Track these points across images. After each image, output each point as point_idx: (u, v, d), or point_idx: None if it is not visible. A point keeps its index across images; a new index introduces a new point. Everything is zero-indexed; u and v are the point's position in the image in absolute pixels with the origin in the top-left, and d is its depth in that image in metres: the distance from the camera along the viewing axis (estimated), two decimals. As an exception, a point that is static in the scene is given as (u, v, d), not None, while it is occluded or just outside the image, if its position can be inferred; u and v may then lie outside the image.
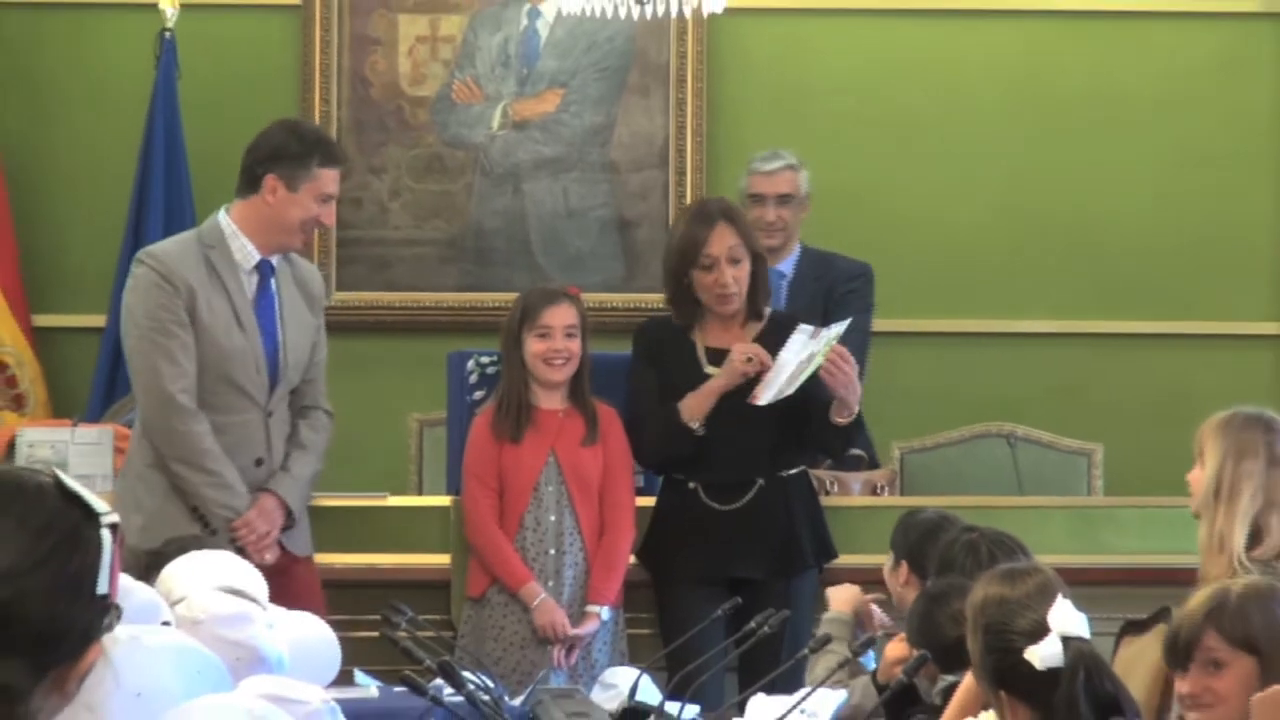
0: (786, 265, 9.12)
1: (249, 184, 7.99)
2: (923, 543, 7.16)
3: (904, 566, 7.19)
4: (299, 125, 8.45)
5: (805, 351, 7.98)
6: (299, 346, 8.08)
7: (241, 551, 7.51)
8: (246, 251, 7.96)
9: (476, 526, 8.18)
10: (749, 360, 8.06)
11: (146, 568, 4.91)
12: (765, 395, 7.98)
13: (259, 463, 8.01)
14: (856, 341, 8.48)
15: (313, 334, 8.15)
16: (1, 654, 3.12)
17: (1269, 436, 6.98)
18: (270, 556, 7.82)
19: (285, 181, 7.89)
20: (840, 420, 8.11)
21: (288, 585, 7.53)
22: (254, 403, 7.99)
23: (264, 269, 8.01)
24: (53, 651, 3.19)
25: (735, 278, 8.19)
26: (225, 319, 7.91)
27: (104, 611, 3.28)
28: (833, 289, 9.04)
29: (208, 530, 7.83)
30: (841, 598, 7.39)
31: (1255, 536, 6.90)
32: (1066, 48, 10.47)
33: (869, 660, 7.17)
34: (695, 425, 8.18)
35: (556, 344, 8.08)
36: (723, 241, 8.17)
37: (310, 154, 7.95)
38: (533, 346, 8.07)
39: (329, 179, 7.97)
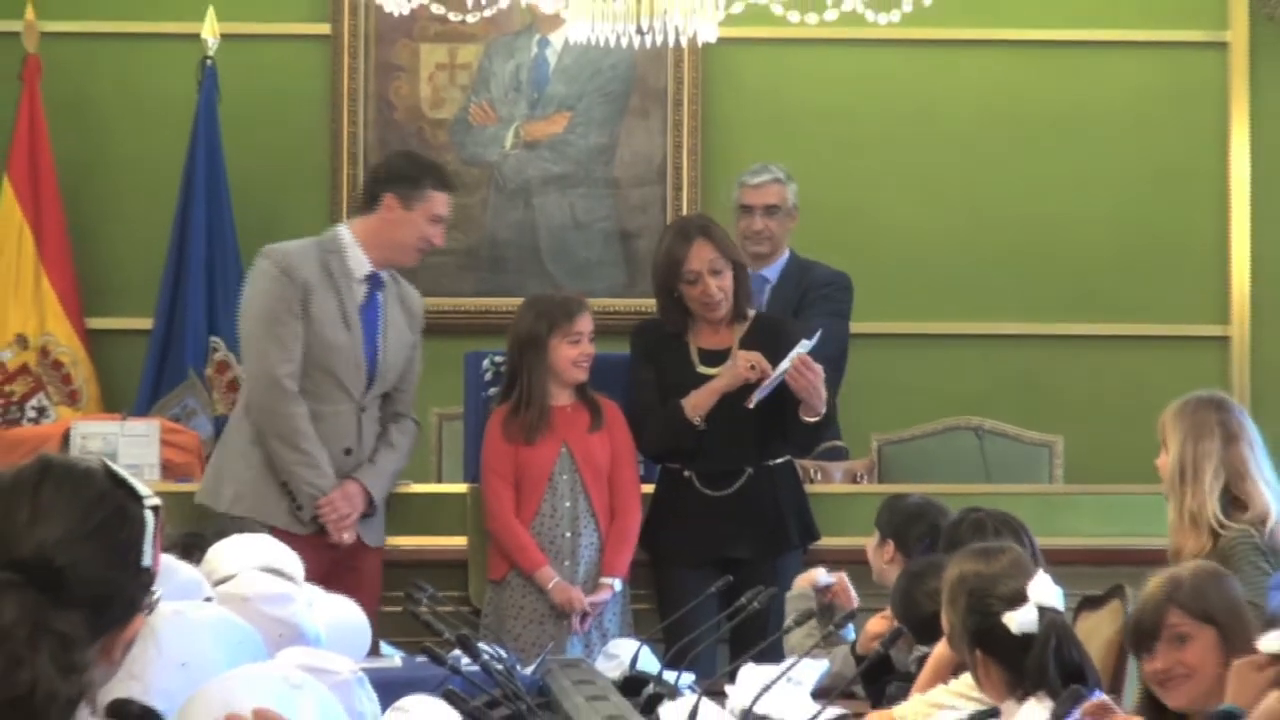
0: (772, 271, 9.14)
1: (369, 202, 8.20)
2: (907, 524, 7.21)
3: (890, 545, 7.23)
4: (415, 154, 8.74)
5: (808, 346, 8.02)
6: (396, 354, 8.22)
7: (322, 529, 7.93)
8: (360, 262, 8.11)
9: (496, 518, 8.20)
10: (751, 367, 8.09)
11: (185, 548, 4.89)
12: (755, 398, 8.03)
13: (348, 452, 8.14)
14: (828, 346, 8.44)
15: (409, 349, 8.29)
16: (63, 607, 3.17)
17: (1222, 415, 6.98)
18: (348, 537, 8.03)
19: (401, 201, 8.08)
20: (808, 419, 8.15)
21: (357, 573, 7.85)
22: (349, 397, 8.12)
23: (374, 281, 8.16)
24: (104, 614, 3.24)
25: (719, 287, 8.25)
26: (333, 317, 8.05)
27: (148, 583, 3.30)
28: (806, 292, 9.05)
29: (294, 505, 8.01)
30: (800, 577, 7.44)
31: (1239, 506, 6.88)
32: (1031, 75, 10.46)
33: (849, 633, 7.17)
34: (698, 420, 8.23)
35: (585, 348, 8.14)
36: (702, 256, 8.22)
37: (424, 178, 8.15)
38: (566, 351, 8.11)
39: (440, 201, 8.14)
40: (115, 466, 3.38)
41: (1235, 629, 5.18)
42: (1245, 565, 6.56)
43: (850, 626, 7.11)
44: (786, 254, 9.23)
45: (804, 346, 8.00)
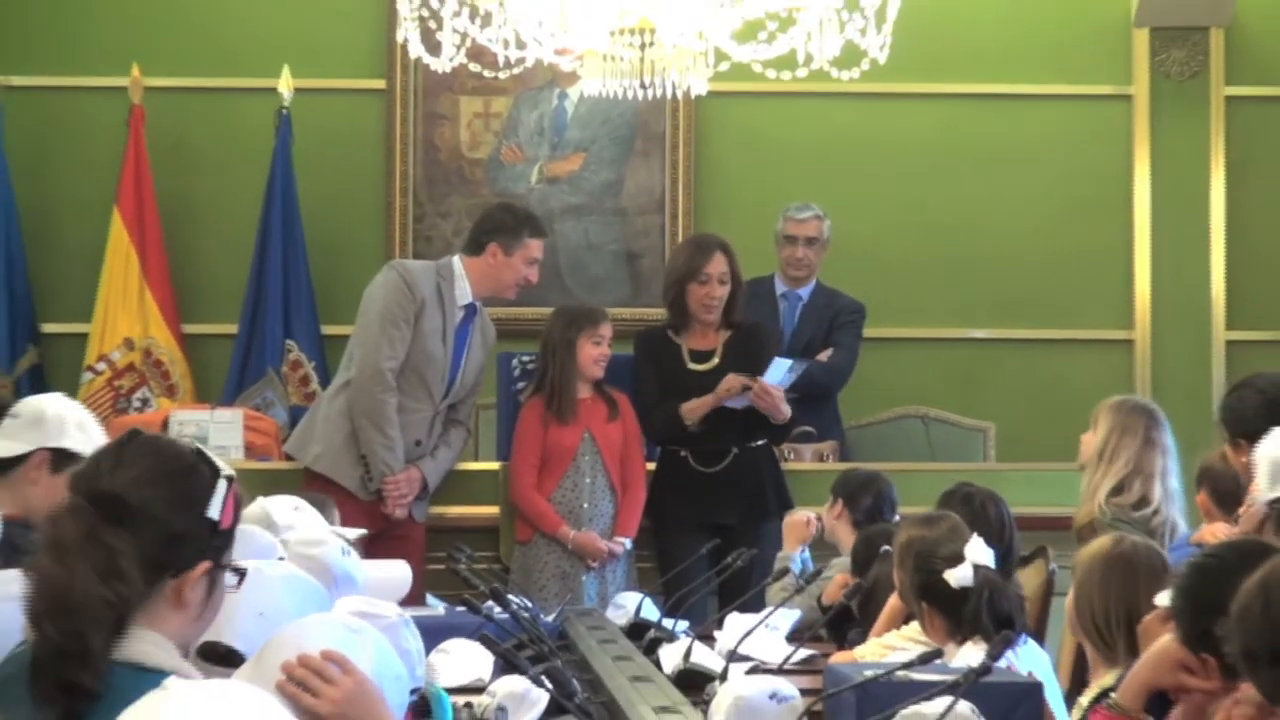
0: (805, 291, 9.38)
1: (475, 248, 8.30)
2: (858, 490, 7.27)
3: (840, 504, 7.28)
4: (514, 206, 8.75)
5: (780, 373, 8.25)
6: (471, 374, 8.35)
7: (380, 499, 8.09)
8: (464, 292, 8.23)
9: (519, 493, 8.27)
10: (745, 390, 8.25)
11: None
12: (734, 405, 8.28)
13: (418, 443, 8.26)
14: (847, 356, 9.16)
15: (480, 371, 8.42)
16: (126, 542, 3.26)
17: (1149, 423, 7.04)
18: (400, 513, 8.14)
19: (503, 248, 8.20)
20: (774, 423, 8.35)
21: (405, 540, 7.94)
22: (431, 401, 8.24)
23: (470, 309, 8.27)
24: (173, 554, 3.30)
25: (720, 295, 8.33)
26: (436, 334, 8.19)
27: (212, 533, 3.32)
28: (837, 316, 9.26)
29: (366, 472, 8.12)
30: (791, 537, 7.43)
31: (1120, 490, 6.93)
32: (968, 120, 10.44)
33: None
34: (691, 424, 8.32)
35: (605, 350, 8.23)
36: (718, 266, 8.39)
37: (522, 228, 8.27)
38: (590, 352, 8.21)
39: (535, 247, 8.27)
40: (197, 444, 3.45)
41: None
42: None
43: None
44: (815, 280, 9.39)
45: (773, 376, 8.24)
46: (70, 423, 5.30)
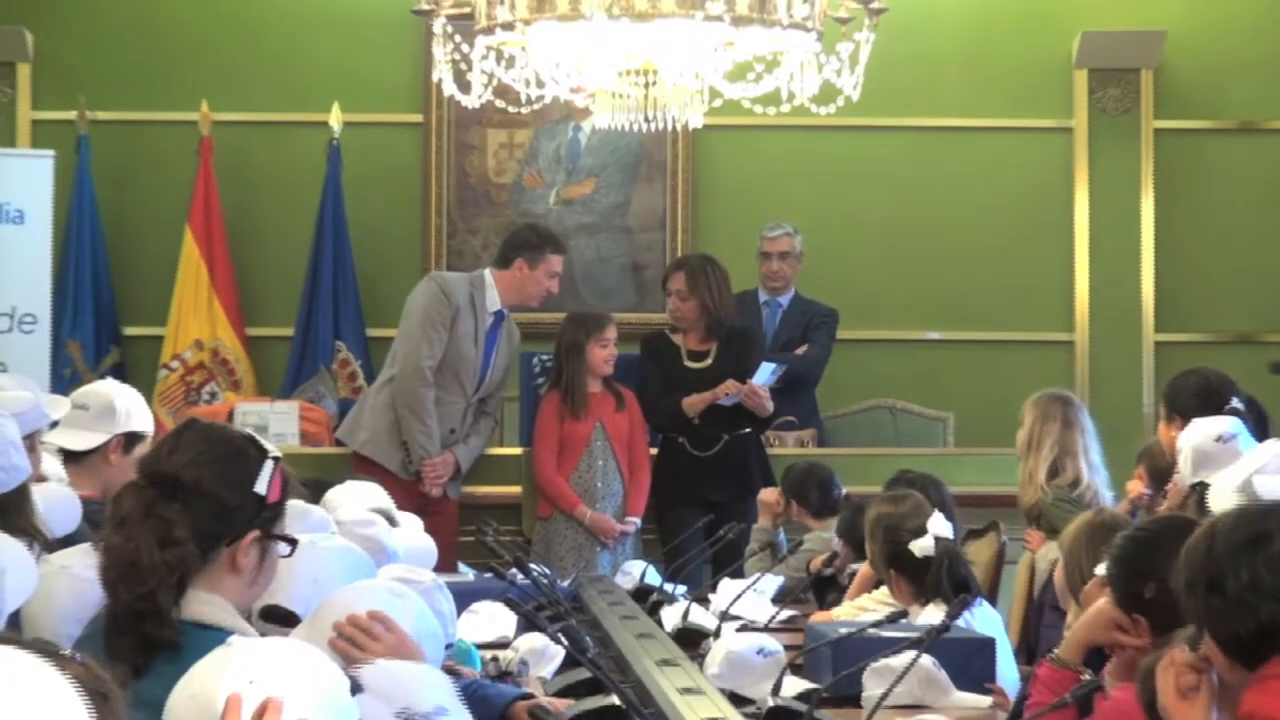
0: (784, 300, 9.39)
1: (503, 262, 8.36)
2: (800, 488, 7.42)
3: (793, 503, 7.34)
4: (538, 226, 8.84)
5: (765, 374, 8.34)
6: (499, 372, 8.40)
7: (419, 479, 8.15)
8: (494, 301, 8.28)
9: (542, 475, 8.29)
10: (736, 393, 8.34)
11: (314, 489, 4.91)
12: (725, 402, 8.34)
13: (452, 431, 8.30)
14: (820, 352, 9.15)
15: (506, 369, 8.44)
16: (180, 514, 3.29)
17: (1065, 408, 7.08)
18: (436, 492, 8.19)
19: (528, 263, 8.26)
20: (760, 415, 8.42)
21: (440, 515, 7.96)
22: (464, 395, 8.28)
23: (498, 316, 8.32)
24: (225, 525, 3.33)
25: (679, 308, 8.51)
26: (469, 336, 8.24)
27: (260, 506, 3.34)
28: (812, 319, 9.25)
29: (406, 456, 8.16)
30: (765, 512, 7.45)
31: (1056, 473, 6.96)
32: (929, 148, 10.43)
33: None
34: (693, 417, 8.37)
35: (612, 350, 8.23)
36: (676, 283, 8.53)
37: (545, 245, 8.34)
38: (598, 353, 8.24)
39: (556, 262, 8.33)
40: (251, 431, 3.49)
41: None
42: (1056, 514, 6.59)
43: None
44: (794, 289, 9.38)
45: (760, 378, 8.31)
46: (135, 408, 5.30)
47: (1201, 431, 5.82)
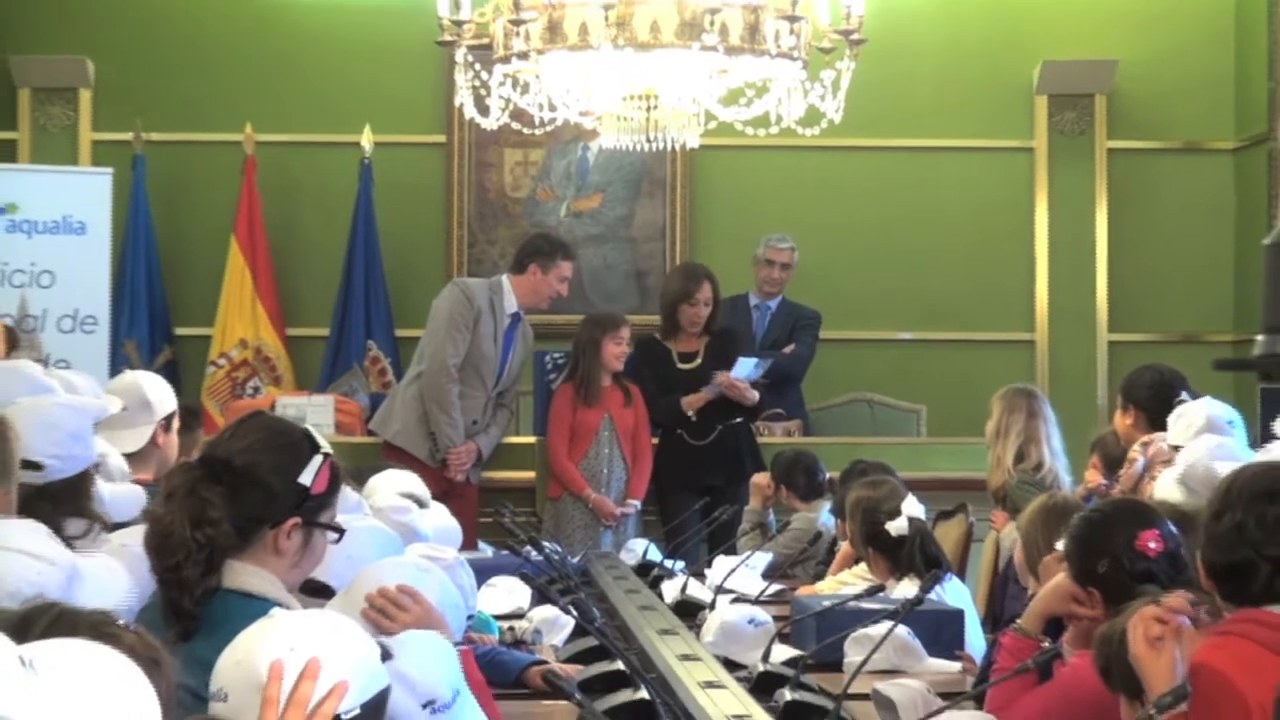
0: (773, 304, 9.38)
1: (519, 268, 8.36)
2: (788, 473, 7.41)
3: (781, 488, 7.31)
4: (550, 235, 8.86)
5: (746, 369, 8.35)
6: (514, 368, 8.39)
7: (444, 465, 8.14)
8: (511, 303, 8.27)
9: (555, 460, 8.29)
10: (730, 386, 8.33)
11: (354, 476, 4.91)
12: (711, 392, 8.36)
13: (474, 423, 8.28)
14: (805, 350, 9.17)
15: (521, 366, 8.42)
16: (220, 497, 3.26)
17: (1030, 401, 7.09)
18: (460, 477, 8.18)
19: (541, 268, 8.26)
20: (745, 405, 8.41)
21: (463, 498, 7.92)
22: (485, 390, 8.28)
23: (515, 317, 8.31)
24: (269, 510, 3.30)
25: (704, 314, 8.47)
26: (489, 337, 8.24)
27: (303, 498, 3.32)
28: (798, 321, 9.26)
29: (433, 445, 8.17)
30: (755, 495, 7.44)
31: (1022, 458, 6.96)
32: (903, 166, 10.44)
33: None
34: (691, 415, 8.38)
35: (624, 348, 8.23)
36: (705, 292, 8.46)
37: (556, 252, 8.34)
38: (612, 349, 8.26)
39: (566, 268, 8.33)
40: (310, 428, 3.45)
41: None
42: (1021, 496, 6.61)
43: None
44: (782, 295, 9.39)
45: (739, 371, 8.33)
46: (162, 391, 5.24)
47: (1210, 409, 5.67)
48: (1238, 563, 3.20)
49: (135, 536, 3.72)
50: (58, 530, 3.93)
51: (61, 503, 3.98)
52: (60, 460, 4.06)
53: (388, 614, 3.26)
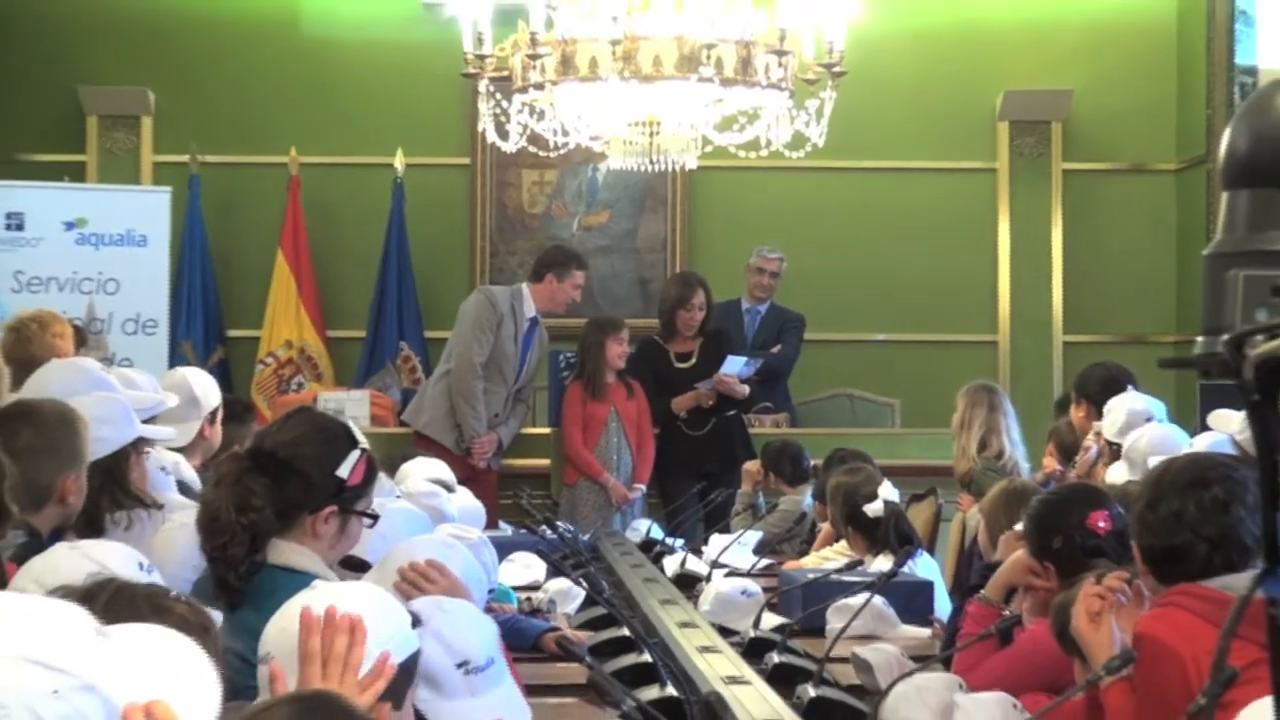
0: (762, 308, 9.35)
1: (537, 277, 8.36)
2: (777, 460, 7.39)
3: (770, 474, 7.31)
4: (564, 247, 8.85)
5: (736, 366, 8.36)
6: (532, 366, 8.36)
7: (469, 454, 8.09)
8: (530, 308, 8.26)
9: (572, 447, 8.29)
10: (714, 391, 8.37)
11: (387, 464, 4.91)
12: (705, 386, 8.38)
13: (496, 415, 8.25)
14: (791, 350, 9.13)
15: (537, 365, 8.40)
16: (264, 486, 3.26)
17: (991, 396, 7.08)
18: (482, 463, 8.14)
19: (557, 277, 8.26)
20: (737, 398, 8.42)
21: (485, 483, 7.86)
22: (505, 385, 8.27)
23: (533, 321, 8.30)
24: (308, 497, 3.30)
25: (699, 318, 8.48)
26: (510, 336, 8.22)
27: (340, 488, 3.32)
28: (785, 324, 9.23)
29: (459, 435, 8.15)
30: (747, 480, 7.43)
31: (985, 447, 6.96)
32: (878, 185, 10.43)
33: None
34: (681, 415, 8.41)
35: (625, 348, 8.24)
36: (700, 299, 8.46)
37: (570, 262, 8.34)
38: (614, 349, 8.26)
39: (579, 276, 8.33)
40: (351, 424, 3.46)
41: None
42: (984, 480, 6.62)
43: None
44: (770, 300, 9.38)
45: (729, 368, 8.33)
46: (207, 386, 5.19)
47: (1133, 404, 5.78)
48: (1178, 545, 3.20)
49: (191, 516, 3.73)
50: (96, 510, 3.92)
51: (93, 481, 3.94)
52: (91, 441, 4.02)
53: (417, 585, 3.26)
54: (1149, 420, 5.61)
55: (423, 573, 3.28)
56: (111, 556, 2.72)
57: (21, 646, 1.48)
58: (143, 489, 4.15)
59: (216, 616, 2.38)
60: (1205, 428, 5.22)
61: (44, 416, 3.80)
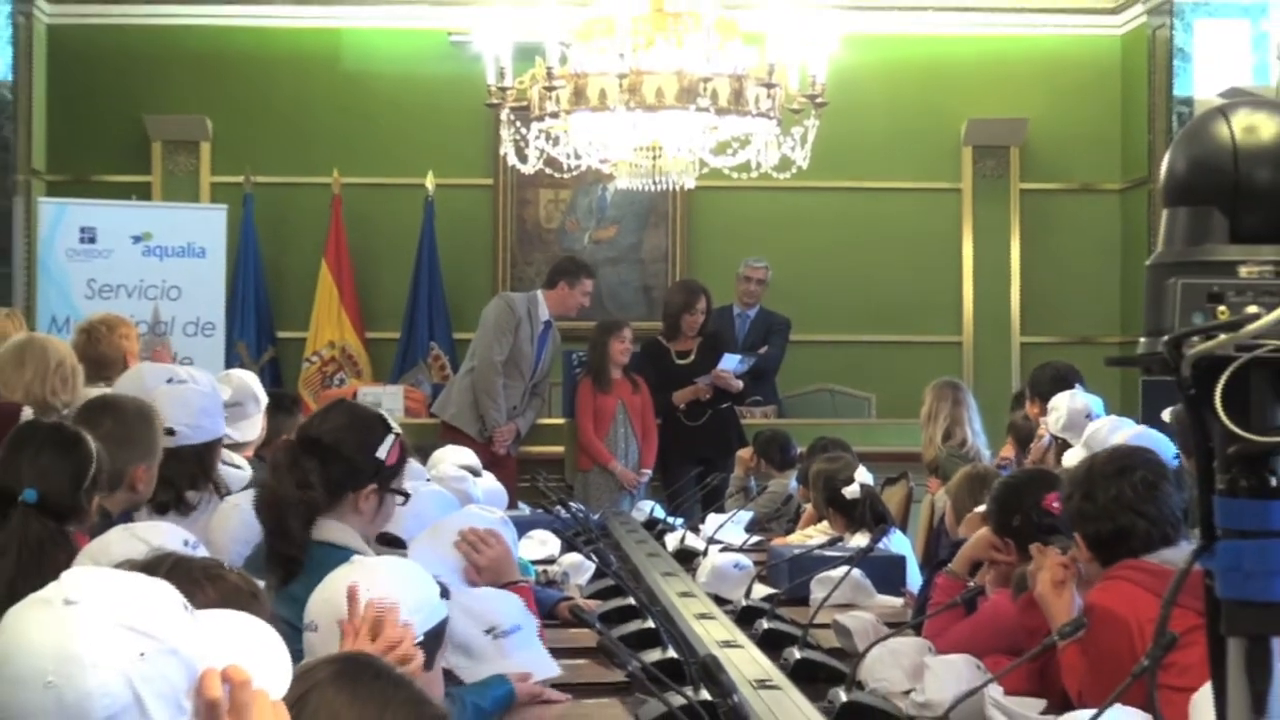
0: (752, 312, 9.37)
1: (550, 284, 8.35)
2: (766, 447, 7.33)
3: (760, 459, 7.28)
4: (575, 258, 8.82)
5: (731, 363, 8.39)
6: (546, 364, 8.33)
7: (490, 441, 8.07)
8: (544, 313, 8.25)
9: (585, 439, 8.30)
10: (712, 386, 8.37)
11: (419, 451, 4.89)
12: (704, 381, 8.39)
13: (514, 408, 8.23)
14: (777, 351, 9.11)
15: (550, 363, 8.38)
16: (316, 467, 3.26)
17: (954, 391, 7.07)
18: (502, 451, 8.13)
19: (569, 284, 8.25)
20: (731, 392, 8.43)
21: (505, 468, 7.89)
22: (523, 381, 8.27)
23: (547, 324, 8.28)
24: (351, 478, 3.33)
25: (701, 321, 8.50)
26: (527, 338, 8.20)
27: (379, 468, 3.34)
28: (772, 326, 9.22)
29: (482, 425, 8.13)
30: (739, 466, 7.42)
31: (949, 437, 6.95)
32: (856, 202, 10.43)
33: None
34: (681, 407, 8.42)
35: (628, 346, 8.21)
36: (702, 304, 8.49)
37: (580, 271, 8.33)
38: (618, 348, 8.22)
39: (589, 283, 8.33)
40: (384, 413, 3.46)
41: None
42: (949, 466, 6.61)
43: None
44: (759, 305, 9.37)
45: (725, 365, 8.35)
46: (258, 385, 5.10)
47: (1074, 403, 5.79)
48: (1123, 527, 3.21)
49: (245, 498, 3.73)
50: (179, 489, 3.95)
51: (187, 463, 3.99)
52: (190, 429, 4.06)
53: (476, 548, 3.44)
54: (1089, 417, 5.62)
55: (481, 537, 3.40)
56: (161, 536, 2.72)
57: (117, 614, 1.53)
58: (219, 476, 4.18)
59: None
60: (1148, 418, 5.23)
61: (125, 410, 3.82)
